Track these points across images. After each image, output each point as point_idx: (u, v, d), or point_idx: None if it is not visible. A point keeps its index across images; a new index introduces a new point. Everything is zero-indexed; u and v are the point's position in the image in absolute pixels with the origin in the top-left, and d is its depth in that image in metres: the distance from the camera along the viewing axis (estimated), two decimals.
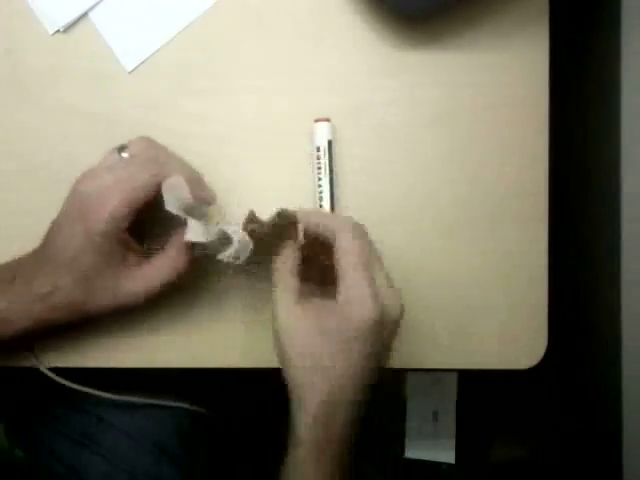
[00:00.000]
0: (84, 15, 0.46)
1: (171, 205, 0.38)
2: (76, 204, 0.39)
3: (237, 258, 0.39)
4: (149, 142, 0.41)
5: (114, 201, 0.37)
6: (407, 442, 0.85)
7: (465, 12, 0.46)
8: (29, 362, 0.45)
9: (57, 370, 0.46)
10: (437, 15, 0.46)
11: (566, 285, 0.56)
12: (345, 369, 0.36)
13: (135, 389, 0.52)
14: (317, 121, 0.45)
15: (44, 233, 0.40)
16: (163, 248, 0.41)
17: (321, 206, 0.45)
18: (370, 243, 0.39)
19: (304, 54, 0.46)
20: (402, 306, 0.38)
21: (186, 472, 0.54)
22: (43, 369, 0.45)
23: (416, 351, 0.46)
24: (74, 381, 0.46)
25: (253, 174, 0.46)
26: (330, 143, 0.45)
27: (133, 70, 0.46)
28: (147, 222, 0.42)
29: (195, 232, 0.38)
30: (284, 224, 0.39)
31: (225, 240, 0.39)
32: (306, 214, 0.39)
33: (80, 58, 0.46)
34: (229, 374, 0.46)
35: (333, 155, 0.45)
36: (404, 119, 0.46)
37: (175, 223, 0.40)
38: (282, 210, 0.38)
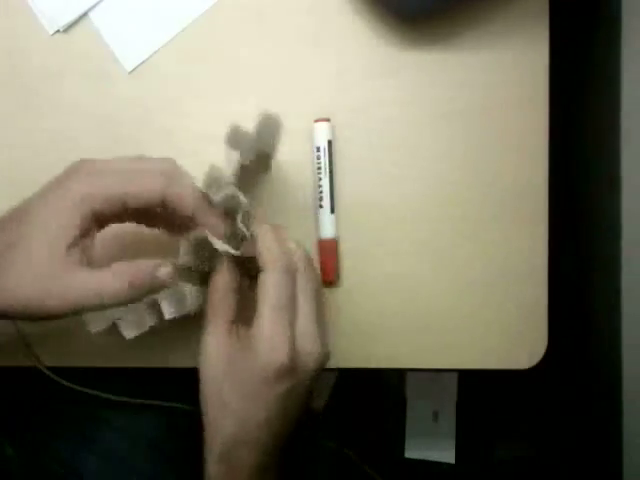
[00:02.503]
0: (84, 15, 0.46)
1: (97, 325, 0.38)
2: (69, 171, 0.36)
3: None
4: (167, 158, 0.39)
5: (109, 179, 0.35)
6: (407, 442, 0.85)
7: (465, 12, 0.46)
8: (29, 362, 0.45)
9: (54, 369, 0.46)
10: (437, 15, 0.46)
11: (566, 285, 0.56)
12: (251, 410, 0.35)
13: (132, 389, 0.52)
14: (317, 121, 0.45)
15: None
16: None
17: (321, 206, 0.45)
18: (310, 287, 0.37)
19: (304, 54, 0.46)
20: (325, 354, 0.37)
21: (182, 472, 0.54)
22: (43, 369, 0.45)
23: (416, 351, 0.46)
24: (71, 380, 0.46)
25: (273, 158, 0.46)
26: (330, 143, 0.45)
27: (133, 70, 0.47)
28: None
29: (130, 328, 0.38)
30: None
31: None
32: (258, 228, 0.38)
33: (80, 58, 0.46)
34: None
35: (333, 155, 0.45)
36: (404, 119, 0.46)
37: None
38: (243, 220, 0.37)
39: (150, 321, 0.39)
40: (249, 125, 0.48)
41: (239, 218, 0.37)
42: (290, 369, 0.35)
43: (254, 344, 0.35)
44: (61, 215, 0.34)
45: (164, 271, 0.36)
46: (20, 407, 0.55)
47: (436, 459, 0.84)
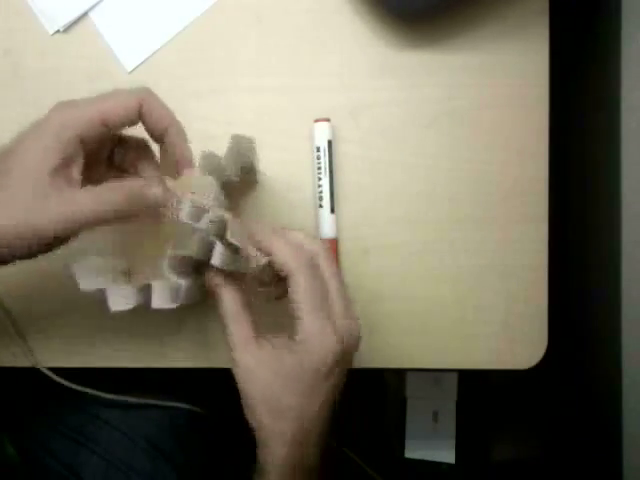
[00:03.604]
0: (84, 15, 0.46)
1: (86, 283, 0.37)
2: (50, 111, 0.36)
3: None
4: (146, 87, 0.38)
5: (86, 101, 0.36)
6: (407, 442, 0.85)
7: (465, 12, 0.46)
8: (29, 362, 0.45)
9: (54, 369, 0.46)
10: (437, 15, 0.46)
11: (566, 285, 0.56)
12: (308, 407, 0.36)
13: (131, 388, 0.52)
14: (317, 121, 0.45)
15: None
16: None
17: (321, 206, 0.45)
18: (331, 270, 0.38)
19: (304, 54, 0.46)
20: (358, 329, 0.38)
21: (181, 471, 0.54)
22: (43, 369, 0.45)
23: (416, 351, 0.46)
24: (71, 380, 0.46)
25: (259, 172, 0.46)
26: (330, 143, 0.45)
27: (133, 70, 0.47)
28: None
29: (117, 301, 0.37)
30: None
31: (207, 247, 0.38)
32: (271, 243, 0.37)
33: (80, 58, 0.46)
34: (224, 373, 0.46)
35: (333, 155, 0.45)
36: (404, 119, 0.46)
37: None
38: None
39: (137, 301, 0.38)
40: (247, 129, 0.48)
41: (228, 234, 0.37)
42: (340, 356, 0.36)
43: (302, 346, 0.36)
44: (42, 141, 0.34)
45: (155, 189, 0.36)
46: (20, 407, 0.55)
47: (436, 459, 0.84)
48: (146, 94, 0.37)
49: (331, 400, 0.37)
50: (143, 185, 0.36)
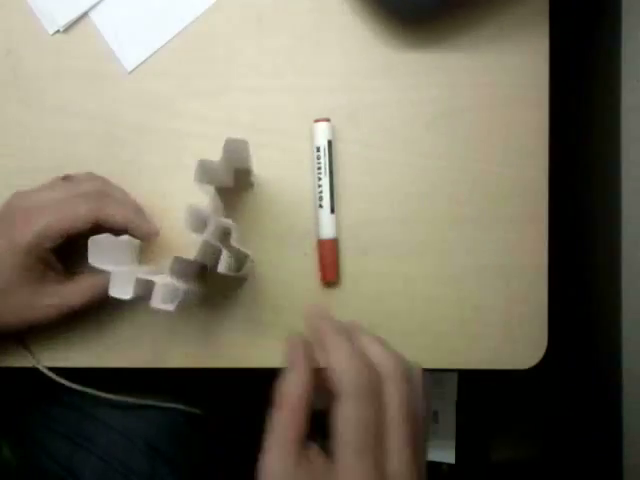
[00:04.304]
0: (84, 15, 0.46)
1: (96, 259, 0.38)
2: (5, 216, 0.40)
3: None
4: (96, 177, 0.43)
5: (44, 220, 0.39)
6: None
7: (465, 12, 0.46)
8: (29, 362, 0.45)
9: (54, 369, 0.46)
10: (437, 15, 0.46)
11: (566, 285, 0.56)
12: None
13: (129, 389, 0.52)
14: (317, 121, 0.45)
15: None
16: (84, 272, 0.42)
17: (321, 206, 0.45)
18: (399, 398, 0.30)
19: (304, 54, 0.46)
20: None
21: (180, 472, 0.54)
22: (43, 369, 0.45)
23: (416, 351, 0.46)
24: (71, 380, 0.46)
25: (253, 174, 0.46)
26: (330, 143, 0.45)
27: (133, 70, 0.46)
28: (78, 243, 0.41)
29: (118, 287, 0.38)
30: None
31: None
32: (329, 341, 0.30)
33: (80, 58, 0.46)
34: (223, 374, 0.46)
35: (333, 155, 0.45)
36: (404, 119, 0.46)
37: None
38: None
39: (136, 293, 0.38)
40: (247, 129, 0.48)
41: (232, 240, 0.36)
42: None
43: None
44: (14, 272, 0.39)
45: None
46: (20, 407, 0.55)
47: (436, 459, 0.84)
48: (101, 202, 0.40)
49: None
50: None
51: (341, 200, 0.46)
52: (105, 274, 0.38)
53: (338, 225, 0.46)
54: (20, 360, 0.46)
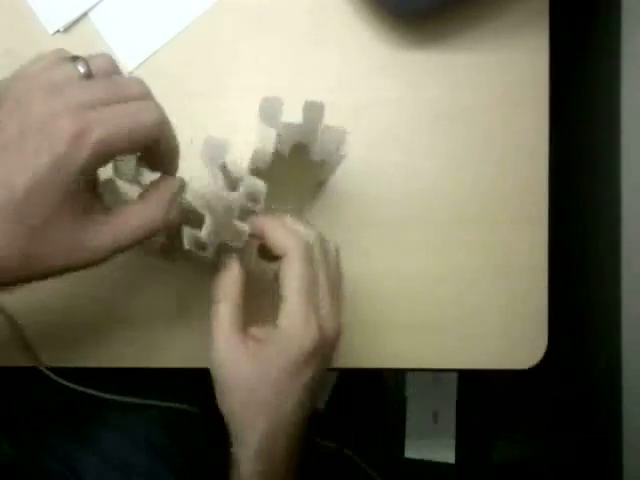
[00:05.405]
0: (84, 15, 0.46)
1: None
2: (36, 117, 0.28)
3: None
4: (139, 79, 0.32)
5: (103, 131, 0.28)
6: (407, 442, 0.85)
7: (465, 12, 0.46)
8: (29, 362, 0.45)
9: (54, 369, 0.46)
10: (437, 15, 0.46)
11: (566, 285, 0.56)
12: (284, 400, 0.35)
13: (131, 389, 0.52)
14: None
15: None
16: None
17: None
18: (325, 262, 0.37)
19: (304, 54, 0.46)
20: (340, 326, 0.37)
21: (180, 471, 0.54)
22: (43, 369, 0.45)
23: (416, 351, 0.46)
24: (71, 380, 0.46)
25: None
26: None
27: (133, 70, 0.46)
28: None
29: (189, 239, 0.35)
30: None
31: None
32: (263, 224, 0.37)
33: None
34: None
35: None
36: (404, 119, 0.46)
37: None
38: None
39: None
40: (247, 129, 0.47)
41: (258, 207, 0.36)
42: (320, 347, 0.35)
43: (283, 333, 0.35)
44: (60, 200, 0.29)
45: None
46: (20, 407, 0.55)
47: (436, 459, 0.84)
48: (164, 116, 0.32)
49: (307, 394, 0.36)
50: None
51: (341, 200, 0.46)
52: (155, 204, 0.32)
53: (338, 225, 0.46)
54: (20, 360, 0.46)
